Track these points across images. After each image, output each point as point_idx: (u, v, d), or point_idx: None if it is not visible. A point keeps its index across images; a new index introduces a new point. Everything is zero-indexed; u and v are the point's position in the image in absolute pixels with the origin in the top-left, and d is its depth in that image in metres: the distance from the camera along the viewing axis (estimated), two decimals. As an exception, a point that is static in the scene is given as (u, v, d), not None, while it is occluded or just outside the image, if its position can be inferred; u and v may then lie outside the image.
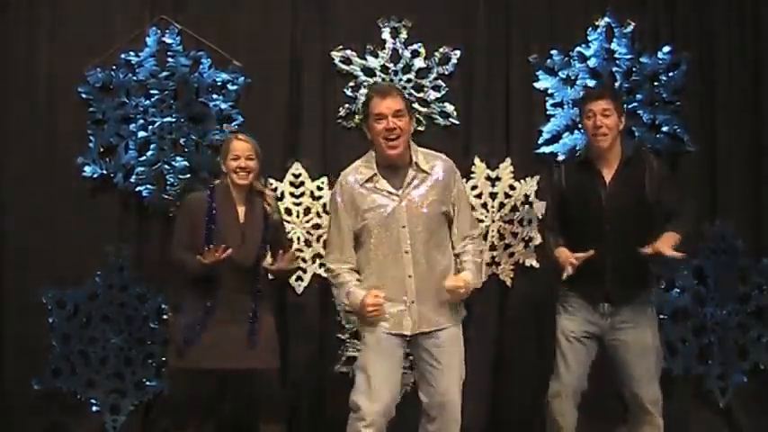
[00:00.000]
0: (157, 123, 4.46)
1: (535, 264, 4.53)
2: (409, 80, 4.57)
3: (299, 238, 4.50)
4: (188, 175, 4.44)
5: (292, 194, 4.51)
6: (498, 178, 4.57)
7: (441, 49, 4.57)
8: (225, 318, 3.74)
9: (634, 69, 4.59)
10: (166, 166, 4.45)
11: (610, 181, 3.74)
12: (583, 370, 3.82)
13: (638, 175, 3.75)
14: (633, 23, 4.59)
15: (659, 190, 3.74)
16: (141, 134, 4.45)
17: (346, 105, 4.55)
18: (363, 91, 4.50)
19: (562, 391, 3.79)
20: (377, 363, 3.44)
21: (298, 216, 4.51)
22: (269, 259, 3.91)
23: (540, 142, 4.59)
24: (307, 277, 4.48)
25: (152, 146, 4.46)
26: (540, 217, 4.31)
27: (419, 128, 4.53)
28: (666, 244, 3.59)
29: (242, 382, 4.05)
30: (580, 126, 4.08)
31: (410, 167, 3.50)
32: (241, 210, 3.85)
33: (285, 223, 4.23)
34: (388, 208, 3.45)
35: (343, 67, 4.55)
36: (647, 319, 3.80)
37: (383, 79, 4.54)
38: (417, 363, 3.56)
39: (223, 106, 4.49)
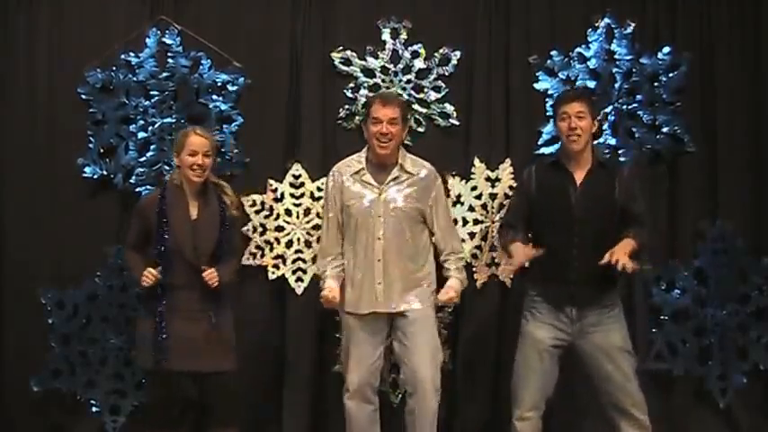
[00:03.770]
0: (157, 124, 4.46)
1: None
2: (409, 81, 4.56)
3: (299, 239, 4.50)
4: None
5: (292, 195, 4.51)
6: (498, 179, 4.56)
7: (441, 50, 4.56)
8: (180, 317, 3.72)
9: (634, 70, 4.59)
10: (166, 167, 4.44)
11: (581, 182, 3.74)
12: (550, 383, 3.79)
13: (609, 179, 3.76)
14: (633, 24, 4.59)
15: (626, 197, 3.75)
16: (141, 135, 4.45)
17: (346, 106, 4.55)
18: (363, 92, 4.51)
19: (529, 416, 3.77)
20: (355, 341, 3.87)
21: (298, 217, 4.51)
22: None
23: (539, 143, 4.59)
24: (307, 278, 4.47)
25: (152, 146, 4.46)
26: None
27: (419, 128, 4.54)
28: (622, 251, 3.57)
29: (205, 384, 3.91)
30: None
31: (395, 167, 3.88)
32: (194, 206, 3.82)
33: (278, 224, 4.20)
34: (368, 198, 3.85)
35: (343, 67, 4.55)
36: (615, 321, 3.77)
37: (383, 80, 4.54)
38: (393, 343, 3.91)
39: (223, 107, 4.49)
